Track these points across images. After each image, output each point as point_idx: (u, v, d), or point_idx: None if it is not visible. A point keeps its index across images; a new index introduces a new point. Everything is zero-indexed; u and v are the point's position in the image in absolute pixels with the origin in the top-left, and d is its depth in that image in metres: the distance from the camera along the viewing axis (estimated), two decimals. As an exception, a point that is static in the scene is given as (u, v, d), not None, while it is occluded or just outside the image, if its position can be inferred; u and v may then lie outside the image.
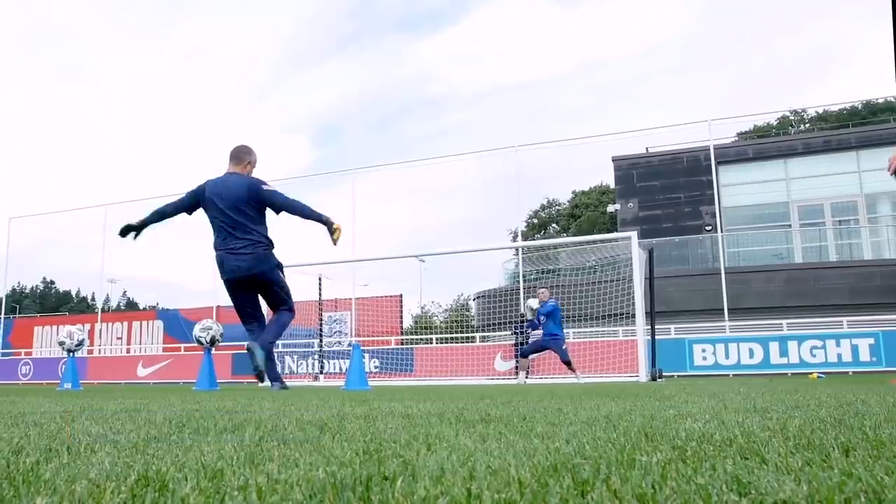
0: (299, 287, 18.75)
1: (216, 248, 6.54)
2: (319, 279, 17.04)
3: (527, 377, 11.96)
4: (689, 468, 0.96)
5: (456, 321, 26.43)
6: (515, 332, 15.91)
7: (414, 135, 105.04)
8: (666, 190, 24.24)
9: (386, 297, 19.97)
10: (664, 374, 12.08)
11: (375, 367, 17.32)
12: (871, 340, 13.55)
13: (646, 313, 11.73)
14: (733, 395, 3.72)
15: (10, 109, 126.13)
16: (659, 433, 1.50)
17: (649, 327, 11.92)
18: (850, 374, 13.05)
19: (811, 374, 12.21)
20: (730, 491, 0.81)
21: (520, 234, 22.83)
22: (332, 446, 1.30)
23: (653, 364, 11.56)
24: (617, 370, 13.64)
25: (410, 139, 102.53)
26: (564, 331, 11.83)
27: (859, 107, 41.33)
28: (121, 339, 22.63)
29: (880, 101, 40.24)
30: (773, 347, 14.13)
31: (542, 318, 11.30)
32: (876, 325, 14.04)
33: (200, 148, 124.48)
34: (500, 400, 3.46)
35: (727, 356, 14.46)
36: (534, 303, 11.64)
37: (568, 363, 11.20)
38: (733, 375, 13.93)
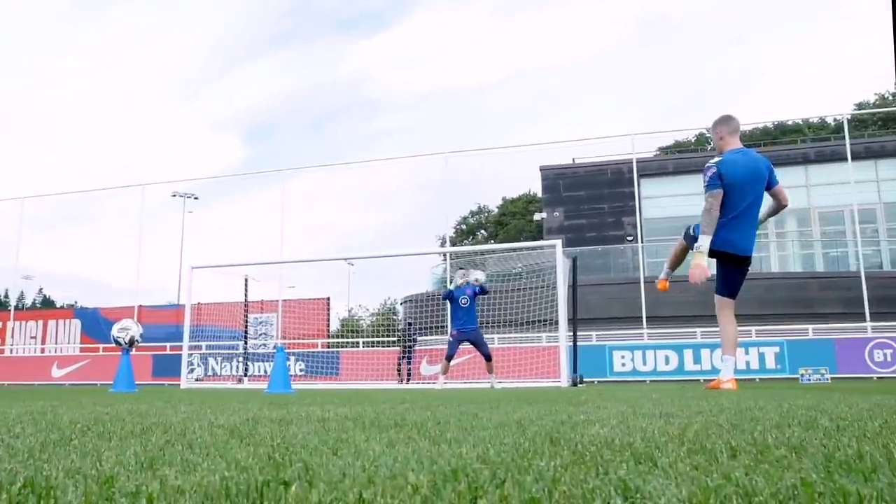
0: (226, 287, 18.36)
1: None
2: (246, 280, 16.69)
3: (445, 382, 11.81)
4: (583, 473, 1.00)
5: (383, 325, 26.34)
6: (403, 341, 16.15)
7: (347, 137, 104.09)
8: (591, 200, 24.88)
9: (313, 299, 19.73)
10: (585, 379, 12.36)
11: (301, 370, 17.09)
12: (777, 349, 14.27)
13: (568, 320, 11.97)
14: (645, 401, 3.85)
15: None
16: (564, 438, 1.55)
17: (571, 334, 12.16)
18: (758, 380, 13.69)
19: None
20: (617, 495, 0.85)
21: (448, 239, 22.97)
22: (238, 451, 1.29)
23: (574, 370, 11.80)
24: (540, 375, 13.87)
25: (344, 141, 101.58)
26: (489, 336, 11.86)
27: (771, 126, 43.46)
28: (35, 338, 21.64)
29: (790, 122, 42.53)
30: (688, 354, 14.70)
31: (464, 297, 10.48)
32: (781, 335, 14.79)
33: (124, 143, 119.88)
34: (421, 404, 3.48)
35: (644, 362, 14.95)
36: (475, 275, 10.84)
37: (490, 358, 10.66)
38: (650, 381, 14.38)
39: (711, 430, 1.76)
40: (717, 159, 5.93)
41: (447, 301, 11.25)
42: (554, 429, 1.82)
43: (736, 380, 5.95)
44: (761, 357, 14.27)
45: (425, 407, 3.20)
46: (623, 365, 15.07)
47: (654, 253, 22.74)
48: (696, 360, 14.55)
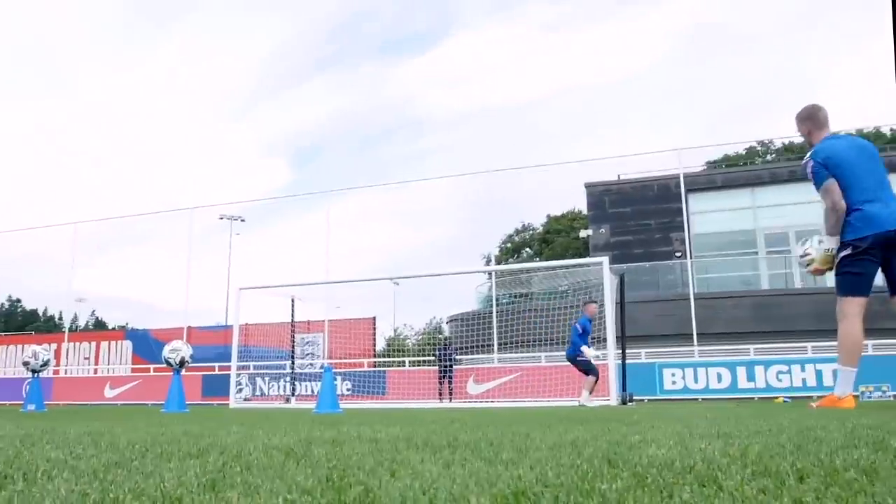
0: (272, 308, 18.66)
1: None
2: (292, 300, 16.92)
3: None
4: (647, 496, 0.98)
5: (429, 344, 26.36)
6: (441, 360, 16.12)
7: (392, 158, 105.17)
8: (637, 216, 24.57)
9: (359, 319, 19.88)
10: (635, 397, 12.14)
11: (348, 390, 17.19)
12: (836, 365, 13.78)
13: (617, 338, 11.80)
14: (700, 420, 3.76)
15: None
16: (622, 459, 1.52)
17: (620, 351, 11.98)
18: (815, 398, 13.25)
19: (777, 398, 12.36)
20: (684, 518, 0.83)
21: (493, 258, 22.93)
22: (296, 473, 1.30)
23: (624, 388, 11.60)
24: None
25: (388, 162, 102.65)
26: (538, 354, 11.76)
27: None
28: (88, 359, 22.27)
29: (842, 132, 41.38)
30: (741, 372, 14.31)
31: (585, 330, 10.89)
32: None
33: (176, 166, 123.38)
34: (471, 424, 3.46)
35: (696, 380, 14.60)
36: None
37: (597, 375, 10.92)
38: (702, 399, 14.05)
39: (774, 450, 1.70)
40: (811, 152, 5.15)
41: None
42: (610, 450, 1.79)
43: (854, 396, 5.26)
44: (818, 374, 13.79)
45: (476, 427, 3.18)
46: (674, 383, 14.75)
47: (704, 269, 22.30)
48: (750, 377, 14.15)
